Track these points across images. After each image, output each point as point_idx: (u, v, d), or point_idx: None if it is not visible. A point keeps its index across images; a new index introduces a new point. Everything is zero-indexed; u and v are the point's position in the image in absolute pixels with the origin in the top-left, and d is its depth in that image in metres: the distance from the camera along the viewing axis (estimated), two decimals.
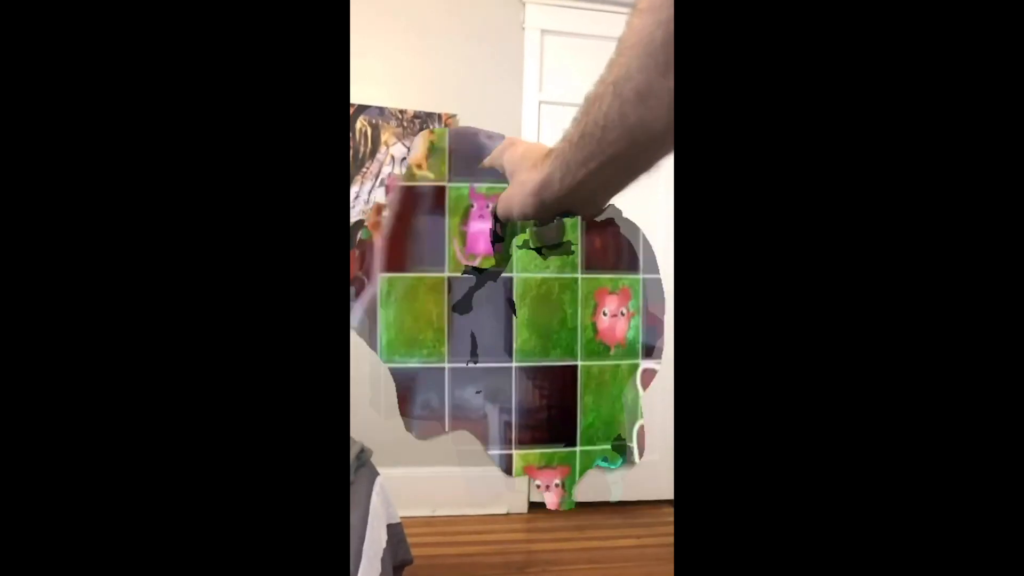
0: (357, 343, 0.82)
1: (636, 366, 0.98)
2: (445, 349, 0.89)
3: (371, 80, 2.77)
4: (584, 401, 0.98)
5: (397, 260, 0.87)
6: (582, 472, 1.02)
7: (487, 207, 0.87)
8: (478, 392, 0.92)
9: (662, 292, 1.00)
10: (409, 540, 2.00)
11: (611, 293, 0.97)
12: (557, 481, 1.01)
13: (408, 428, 0.89)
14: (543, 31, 2.95)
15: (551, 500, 0.99)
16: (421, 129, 2.82)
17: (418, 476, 2.77)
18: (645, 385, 0.98)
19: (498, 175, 0.83)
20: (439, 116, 2.82)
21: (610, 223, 0.95)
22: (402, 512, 2.01)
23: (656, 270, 0.99)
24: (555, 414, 0.96)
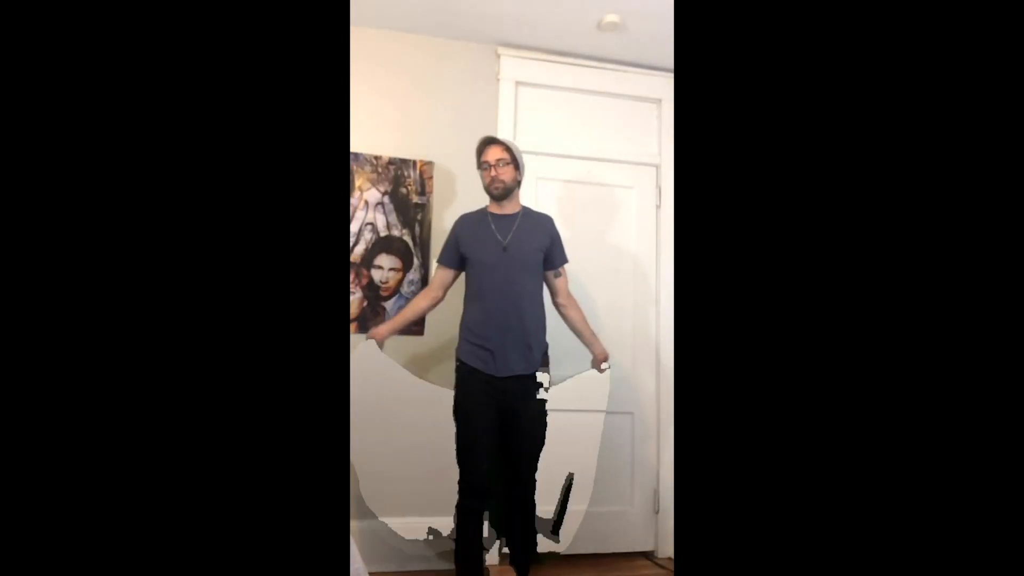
0: None
1: None
2: None
3: None
4: None
5: None
6: None
7: None
8: None
9: None
10: None
11: None
12: None
13: None
14: (517, 82, 3.02)
15: None
16: (396, 175, 2.83)
17: (386, 528, 2.69)
18: None
19: None
20: (414, 163, 2.85)
21: None
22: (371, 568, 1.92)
23: None
24: None
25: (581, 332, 2.39)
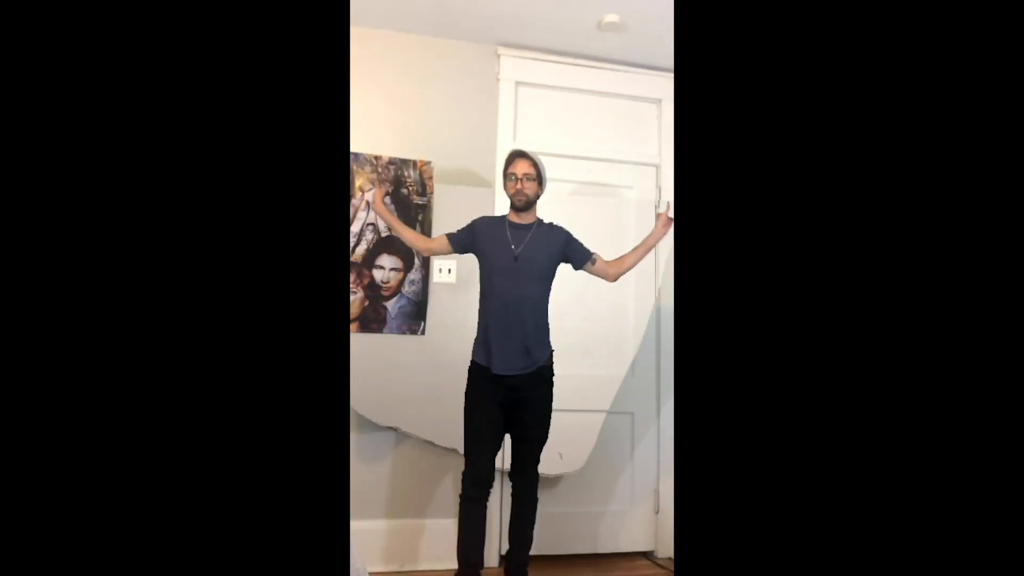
0: None
1: None
2: None
3: None
4: None
5: None
6: None
7: None
8: None
9: None
10: None
11: None
12: None
13: None
14: (517, 83, 3.02)
15: None
16: (396, 175, 2.83)
17: (386, 529, 2.69)
18: None
19: None
20: (414, 163, 2.85)
21: None
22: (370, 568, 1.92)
23: None
24: None
25: (644, 254, 2.47)
